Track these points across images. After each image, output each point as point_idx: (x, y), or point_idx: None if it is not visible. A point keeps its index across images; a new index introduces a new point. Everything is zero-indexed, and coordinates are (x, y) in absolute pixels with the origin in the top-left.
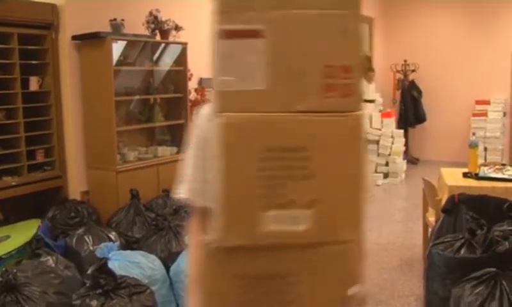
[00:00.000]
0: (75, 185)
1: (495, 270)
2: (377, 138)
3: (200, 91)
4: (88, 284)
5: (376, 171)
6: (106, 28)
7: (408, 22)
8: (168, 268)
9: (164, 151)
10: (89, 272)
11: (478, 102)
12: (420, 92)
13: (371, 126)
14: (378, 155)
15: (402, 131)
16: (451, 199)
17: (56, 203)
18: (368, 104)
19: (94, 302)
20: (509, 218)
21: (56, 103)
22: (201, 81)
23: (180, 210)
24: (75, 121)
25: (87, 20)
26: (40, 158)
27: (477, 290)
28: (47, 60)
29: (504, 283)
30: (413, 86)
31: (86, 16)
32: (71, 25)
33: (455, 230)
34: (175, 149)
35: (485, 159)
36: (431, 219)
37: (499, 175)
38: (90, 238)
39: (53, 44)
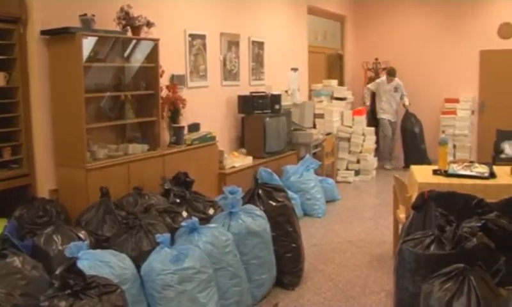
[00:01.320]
0: (44, 184)
1: (464, 266)
2: (348, 136)
3: (171, 88)
4: (56, 285)
5: (347, 169)
6: (76, 23)
7: (379, 20)
8: (138, 268)
9: (135, 149)
10: (57, 272)
11: (447, 100)
12: None
13: (342, 124)
14: (349, 152)
15: (373, 129)
16: (421, 196)
17: (23, 202)
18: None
19: (62, 303)
20: (477, 214)
21: (24, 100)
22: (173, 78)
23: (151, 208)
24: (44, 118)
25: (56, 15)
26: (6, 156)
27: (446, 286)
28: (14, 55)
29: (471, 278)
30: None
31: (55, 11)
32: (39, 20)
33: (425, 227)
34: (146, 146)
35: (454, 156)
36: (401, 215)
37: (467, 172)
38: (59, 237)
39: (21, 39)
